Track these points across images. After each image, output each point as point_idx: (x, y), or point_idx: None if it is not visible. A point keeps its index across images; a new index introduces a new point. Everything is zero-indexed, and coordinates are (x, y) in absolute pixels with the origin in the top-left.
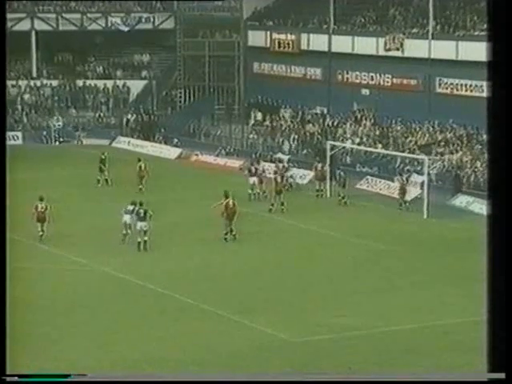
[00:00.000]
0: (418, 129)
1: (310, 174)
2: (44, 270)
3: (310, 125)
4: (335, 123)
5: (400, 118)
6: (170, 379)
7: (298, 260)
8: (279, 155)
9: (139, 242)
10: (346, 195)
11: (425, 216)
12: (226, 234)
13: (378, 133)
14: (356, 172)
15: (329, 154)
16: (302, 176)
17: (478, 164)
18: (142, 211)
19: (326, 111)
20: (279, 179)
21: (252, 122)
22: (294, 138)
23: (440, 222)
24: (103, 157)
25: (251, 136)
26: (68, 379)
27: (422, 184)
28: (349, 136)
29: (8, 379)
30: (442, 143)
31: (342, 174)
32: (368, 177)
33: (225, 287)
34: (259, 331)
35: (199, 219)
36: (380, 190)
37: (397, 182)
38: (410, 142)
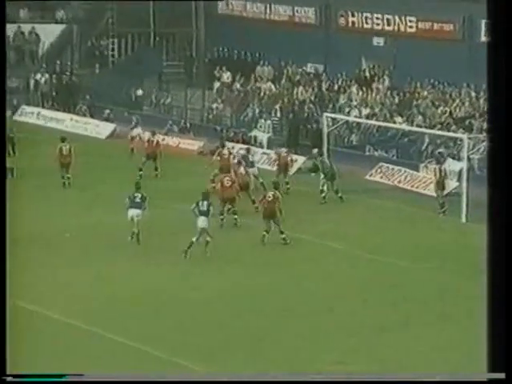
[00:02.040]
0: (454, 95)
1: (300, 161)
2: None
3: (300, 89)
4: (335, 87)
5: (429, 80)
6: (169, 379)
7: (283, 283)
8: (255, 133)
9: None
10: (339, 188)
11: (463, 219)
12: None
13: (396, 101)
14: (365, 157)
15: (326, 130)
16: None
17: None
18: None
19: (322, 70)
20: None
21: (217, 85)
22: (276, 109)
23: (485, 227)
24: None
25: (215, 105)
26: (68, 379)
27: (460, 174)
28: (355, 105)
29: (8, 379)
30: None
31: (326, 161)
32: (382, 164)
33: (181, 321)
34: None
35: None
36: (399, 182)
37: (424, 171)
38: (443, 113)
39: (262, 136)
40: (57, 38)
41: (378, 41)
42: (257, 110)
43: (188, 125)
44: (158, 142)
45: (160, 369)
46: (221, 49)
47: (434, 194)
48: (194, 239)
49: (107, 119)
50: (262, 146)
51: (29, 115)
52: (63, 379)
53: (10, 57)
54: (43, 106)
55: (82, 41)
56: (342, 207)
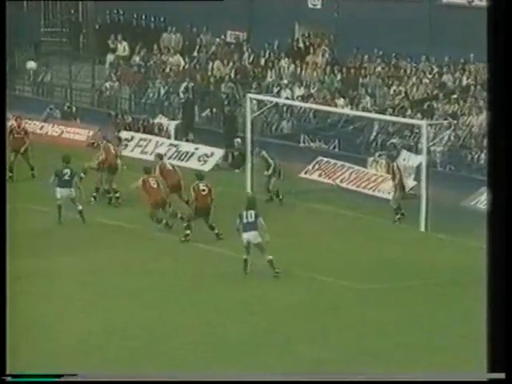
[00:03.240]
0: (410, 70)
1: (217, 154)
2: None
3: (217, 63)
4: (261, 61)
5: (378, 51)
6: (170, 379)
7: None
8: (160, 119)
9: None
10: (278, 190)
11: (422, 228)
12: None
13: (338, 78)
14: (300, 149)
15: (249, 116)
16: (203, 157)
17: None
18: None
19: (243, 37)
20: None
21: (110, 58)
22: (186, 87)
23: (448, 238)
24: None
25: (108, 84)
26: (68, 379)
27: (418, 170)
28: (286, 84)
29: (8, 379)
30: (454, 96)
31: (265, 154)
32: (321, 158)
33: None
34: None
35: None
36: (342, 180)
37: (373, 168)
38: (397, 93)
39: (169, 123)
40: None
41: (315, 2)
42: (162, 91)
43: (74, 109)
44: (26, 130)
45: None
46: (115, 12)
47: (387, 196)
48: None
49: None
50: (168, 136)
51: None
52: (63, 379)
53: None
54: None
55: None
56: (273, 212)
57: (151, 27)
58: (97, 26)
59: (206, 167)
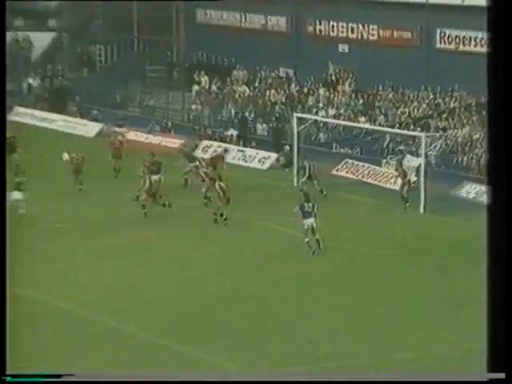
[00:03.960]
0: (412, 97)
1: (273, 157)
2: None
3: (272, 91)
4: (305, 89)
5: (389, 83)
6: (170, 379)
7: (259, 270)
8: (231, 132)
9: None
10: (322, 187)
11: (421, 211)
12: (217, 219)
13: (360, 102)
14: (332, 154)
15: (296, 129)
16: (262, 160)
17: None
18: None
19: (292, 74)
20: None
21: (195, 88)
22: (250, 110)
23: (441, 218)
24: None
25: (194, 107)
26: (68, 379)
27: (418, 169)
28: (322, 106)
29: (7, 379)
30: (445, 115)
31: (306, 164)
32: (348, 160)
33: (164, 309)
34: (208, 364)
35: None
36: (363, 176)
37: (386, 167)
38: (403, 113)
39: (238, 134)
40: (48, 45)
41: (344, 47)
42: (232, 111)
43: (169, 124)
44: (121, 142)
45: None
46: (199, 54)
47: (396, 188)
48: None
49: (95, 119)
50: (237, 144)
51: (22, 116)
52: (63, 379)
53: (6, 61)
54: (36, 108)
55: (71, 47)
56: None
57: (225, 65)
58: (186, 65)
59: (264, 167)
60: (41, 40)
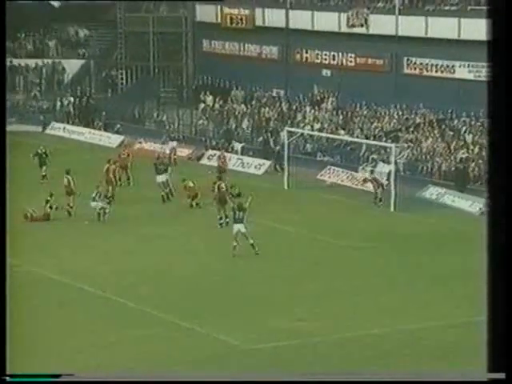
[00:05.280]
0: (384, 113)
1: (266, 164)
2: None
3: (266, 109)
4: (293, 107)
5: (365, 102)
6: (170, 379)
7: (252, 258)
8: (232, 143)
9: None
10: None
11: (392, 209)
12: (221, 219)
13: (340, 118)
14: (317, 161)
15: (286, 141)
16: (258, 166)
17: (450, 152)
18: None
19: (283, 94)
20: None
21: (201, 105)
22: (248, 124)
23: (409, 215)
24: (41, 151)
25: (201, 122)
26: (68, 379)
27: (389, 174)
28: (308, 121)
29: (8, 379)
30: (411, 129)
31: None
32: (330, 166)
33: (172, 290)
34: (210, 337)
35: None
36: (343, 180)
37: (361, 172)
38: (376, 127)
39: (238, 145)
40: (78, 70)
41: (326, 72)
42: (233, 125)
43: (181, 137)
44: (128, 153)
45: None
46: (205, 78)
47: (370, 190)
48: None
49: (117, 132)
50: (237, 153)
51: (57, 129)
52: (63, 379)
53: (43, 84)
54: (68, 122)
55: (97, 72)
56: (299, 199)
57: (226, 87)
58: (193, 87)
59: (260, 172)
60: (72, 66)
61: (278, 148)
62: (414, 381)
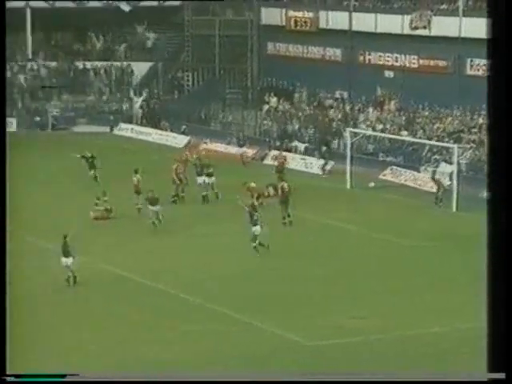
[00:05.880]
0: (447, 114)
1: (329, 164)
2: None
3: (329, 110)
4: (356, 108)
5: (427, 103)
6: (170, 379)
7: (313, 256)
8: (295, 143)
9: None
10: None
11: (454, 209)
12: (284, 218)
13: (403, 119)
14: (379, 161)
15: (349, 141)
16: (321, 166)
17: None
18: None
19: (346, 95)
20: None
21: (266, 107)
22: (311, 125)
23: (471, 215)
24: (88, 155)
25: (265, 122)
26: (68, 379)
27: (451, 174)
28: (371, 122)
29: (8, 379)
30: (474, 130)
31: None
32: (392, 167)
33: (233, 286)
34: (270, 333)
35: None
36: (405, 181)
37: (424, 173)
38: (439, 128)
39: (301, 145)
40: (147, 72)
41: (389, 74)
42: (296, 126)
43: (245, 137)
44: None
45: None
46: (269, 79)
47: (432, 190)
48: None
49: (183, 133)
50: (300, 153)
51: (124, 130)
52: (63, 379)
53: (112, 86)
54: (136, 123)
55: (165, 74)
56: (360, 199)
57: (290, 88)
58: (258, 88)
59: (323, 172)
60: (141, 68)
61: (340, 149)
62: (414, 381)
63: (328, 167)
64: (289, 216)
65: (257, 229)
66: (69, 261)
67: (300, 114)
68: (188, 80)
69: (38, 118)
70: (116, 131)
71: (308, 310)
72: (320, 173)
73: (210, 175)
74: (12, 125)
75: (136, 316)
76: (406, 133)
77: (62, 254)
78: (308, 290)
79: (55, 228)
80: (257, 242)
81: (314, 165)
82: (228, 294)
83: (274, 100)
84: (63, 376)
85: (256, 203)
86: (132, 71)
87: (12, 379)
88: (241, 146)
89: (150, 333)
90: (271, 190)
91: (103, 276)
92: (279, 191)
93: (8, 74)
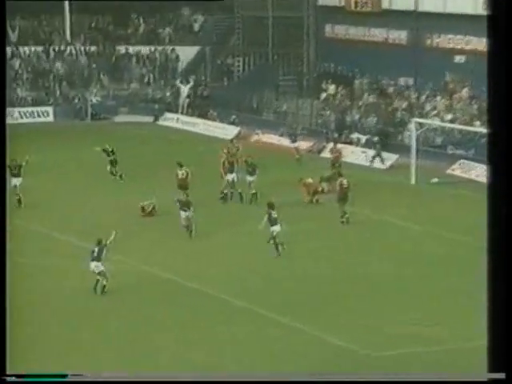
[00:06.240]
0: None
1: (393, 158)
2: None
3: (393, 99)
4: (423, 97)
5: None
6: (170, 379)
7: (374, 257)
8: (356, 135)
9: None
10: None
11: None
12: (342, 217)
13: (475, 108)
14: (448, 155)
15: (415, 133)
16: (382, 160)
17: None
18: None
19: (411, 82)
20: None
21: (323, 95)
22: (373, 115)
23: None
24: (108, 148)
25: (322, 112)
26: (68, 379)
27: None
28: (438, 112)
29: (8, 379)
30: None
31: None
32: (462, 160)
33: (284, 289)
34: (324, 341)
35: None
36: (477, 176)
37: None
38: None
39: (362, 138)
40: (193, 57)
41: (460, 58)
42: (356, 116)
43: (301, 128)
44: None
45: None
46: (327, 65)
47: None
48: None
49: (233, 123)
50: (361, 146)
51: (169, 120)
52: (64, 379)
53: (155, 72)
54: (182, 113)
55: (213, 59)
56: (425, 196)
57: (349, 75)
58: (315, 75)
59: (384, 166)
60: (187, 53)
61: (405, 141)
62: (414, 381)
63: (391, 161)
64: (345, 214)
65: (276, 228)
66: (99, 265)
67: (360, 102)
68: (238, 66)
69: (76, 107)
70: (161, 121)
71: (371, 318)
72: (382, 167)
73: (252, 174)
74: (49, 114)
75: (187, 319)
76: (478, 123)
77: (94, 257)
78: (368, 292)
79: (92, 227)
80: (277, 240)
81: (376, 157)
82: (277, 296)
83: (331, 87)
84: (64, 376)
85: (313, 200)
86: (177, 56)
87: (12, 379)
88: (295, 137)
89: (199, 335)
90: (325, 186)
91: (142, 278)
92: (337, 187)
93: (44, 59)
